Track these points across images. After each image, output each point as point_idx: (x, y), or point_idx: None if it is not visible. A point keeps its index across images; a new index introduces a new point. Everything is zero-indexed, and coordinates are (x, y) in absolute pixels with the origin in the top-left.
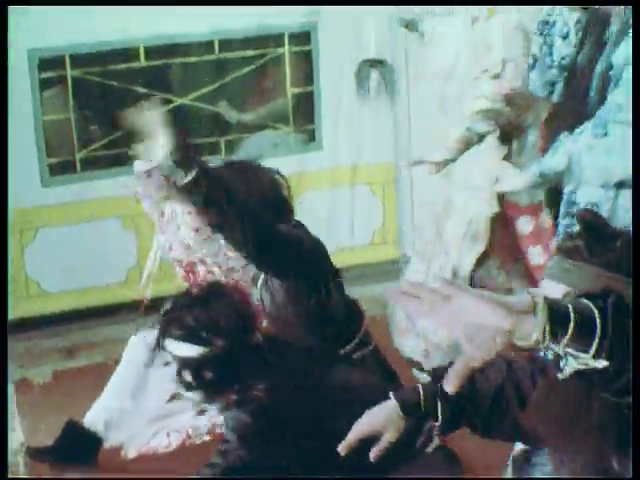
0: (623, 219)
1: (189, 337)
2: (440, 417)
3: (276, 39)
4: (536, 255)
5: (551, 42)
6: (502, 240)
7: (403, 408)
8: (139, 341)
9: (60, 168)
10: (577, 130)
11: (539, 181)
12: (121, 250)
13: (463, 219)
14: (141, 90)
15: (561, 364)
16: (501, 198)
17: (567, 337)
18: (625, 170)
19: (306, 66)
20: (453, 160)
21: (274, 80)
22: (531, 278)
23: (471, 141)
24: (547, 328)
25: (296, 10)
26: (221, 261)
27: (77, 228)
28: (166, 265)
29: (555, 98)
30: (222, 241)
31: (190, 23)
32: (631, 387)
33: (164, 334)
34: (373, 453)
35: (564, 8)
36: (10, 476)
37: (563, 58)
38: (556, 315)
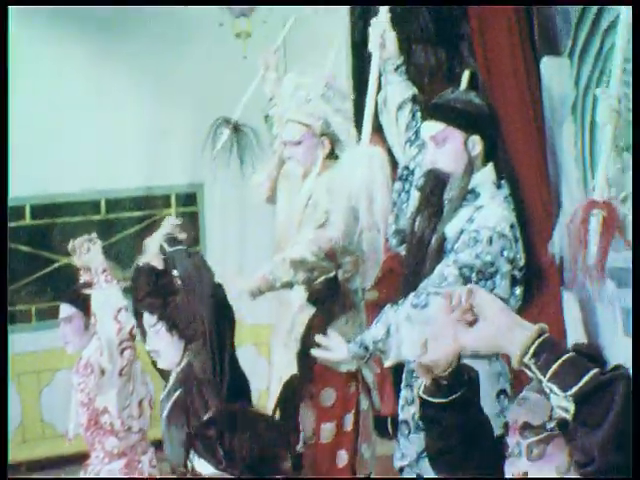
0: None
1: (209, 456)
2: (449, 399)
3: (163, 200)
4: (328, 431)
5: (409, 190)
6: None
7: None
8: None
9: None
10: (402, 300)
11: (360, 352)
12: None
13: (276, 377)
14: (26, 249)
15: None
16: (312, 362)
17: (552, 369)
18: None
19: (192, 227)
20: (253, 295)
21: None
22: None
23: (271, 286)
24: (532, 348)
25: (182, 172)
26: (125, 415)
27: None
28: (46, 425)
29: (403, 251)
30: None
31: (77, 183)
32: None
33: (190, 445)
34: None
35: (422, 159)
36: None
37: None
38: (549, 345)
